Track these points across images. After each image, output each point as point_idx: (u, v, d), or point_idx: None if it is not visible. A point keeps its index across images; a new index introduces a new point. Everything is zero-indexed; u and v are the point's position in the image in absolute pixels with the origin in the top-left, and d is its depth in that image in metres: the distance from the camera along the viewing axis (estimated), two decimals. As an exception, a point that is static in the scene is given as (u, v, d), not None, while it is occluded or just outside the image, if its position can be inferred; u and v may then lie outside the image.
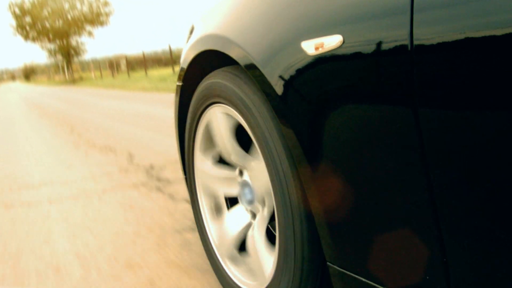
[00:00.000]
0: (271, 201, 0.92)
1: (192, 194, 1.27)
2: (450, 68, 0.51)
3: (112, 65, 28.19)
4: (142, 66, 31.60)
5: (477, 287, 0.55)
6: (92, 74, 30.24)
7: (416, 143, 0.56)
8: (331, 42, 0.66)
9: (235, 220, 1.10)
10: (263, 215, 1.00)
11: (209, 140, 1.15)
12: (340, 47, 0.64)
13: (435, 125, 0.53)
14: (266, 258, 0.96)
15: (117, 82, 18.25)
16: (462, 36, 0.49)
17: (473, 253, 0.54)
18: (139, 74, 22.93)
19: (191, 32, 1.25)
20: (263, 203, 1.00)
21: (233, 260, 1.12)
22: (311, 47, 0.70)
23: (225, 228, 1.12)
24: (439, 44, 0.52)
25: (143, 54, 22.84)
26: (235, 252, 1.11)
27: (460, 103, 0.51)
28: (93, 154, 3.50)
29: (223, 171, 1.13)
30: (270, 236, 1.01)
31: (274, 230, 1.01)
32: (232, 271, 1.11)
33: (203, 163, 1.18)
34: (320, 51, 0.68)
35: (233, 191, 1.11)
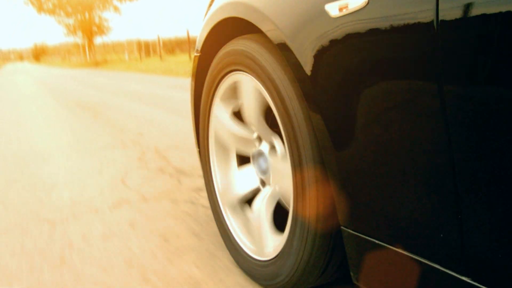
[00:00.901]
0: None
1: (204, 164, 1.23)
2: (476, 29, 0.48)
3: (148, 46, 22.84)
4: (174, 50, 26.24)
5: (490, 245, 0.54)
6: (126, 56, 24.86)
7: (441, 117, 0.54)
8: (356, 2, 0.63)
9: (244, 180, 1.09)
10: (275, 189, 0.99)
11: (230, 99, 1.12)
12: (364, 8, 0.62)
13: (461, 98, 0.51)
14: (268, 238, 0.97)
15: (173, 66, 12.76)
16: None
17: (488, 213, 0.53)
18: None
19: (210, 4, 1.21)
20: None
21: (234, 210, 1.13)
22: (335, 8, 0.68)
23: (232, 183, 1.12)
24: (465, 5, 0.48)
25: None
26: (238, 205, 1.12)
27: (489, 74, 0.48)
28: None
29: (240, 130, 1.08)
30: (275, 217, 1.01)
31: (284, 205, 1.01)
32: (232, 222, 1.12)
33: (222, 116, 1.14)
34: (344, 12, 0.66)
35: (248, 151, 1.08)
